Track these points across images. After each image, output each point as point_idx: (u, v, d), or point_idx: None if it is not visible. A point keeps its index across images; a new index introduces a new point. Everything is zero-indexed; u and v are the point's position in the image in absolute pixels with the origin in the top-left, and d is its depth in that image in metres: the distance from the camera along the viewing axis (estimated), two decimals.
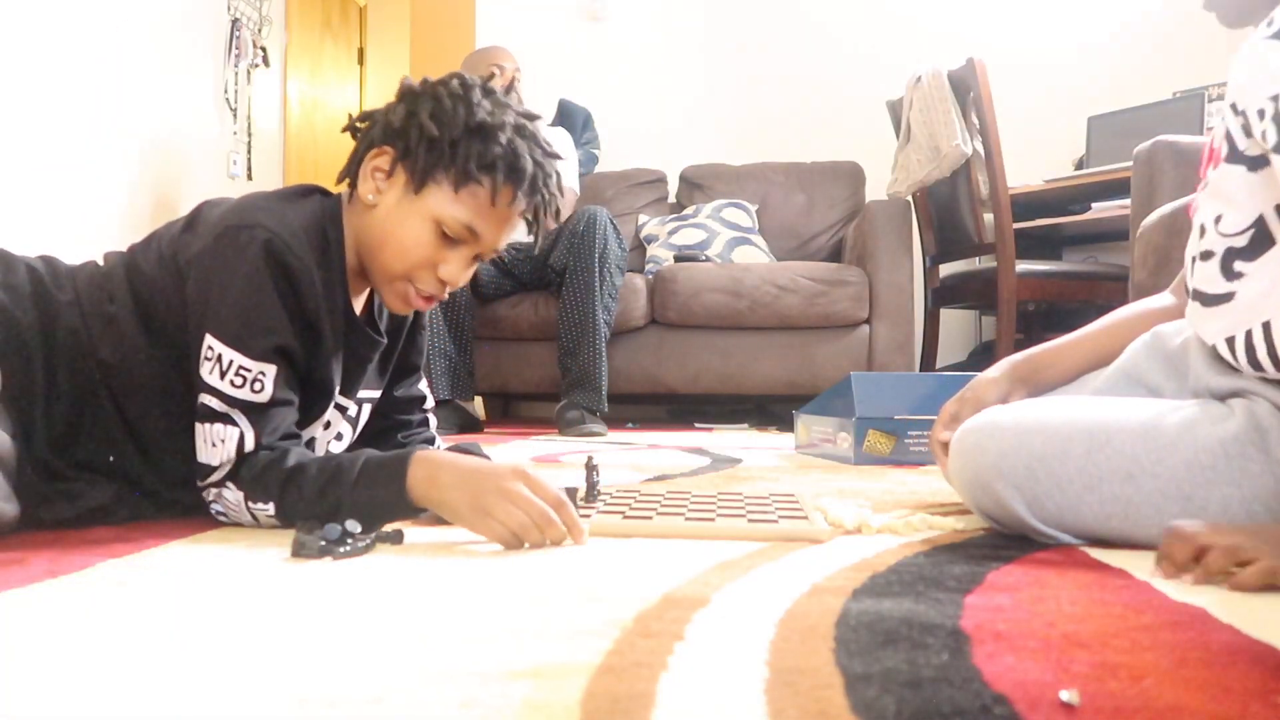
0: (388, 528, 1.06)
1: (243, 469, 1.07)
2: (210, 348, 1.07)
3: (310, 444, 1.21)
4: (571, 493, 1.19)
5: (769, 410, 3.69)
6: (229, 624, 0.72)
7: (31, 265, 1.14)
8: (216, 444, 1.06)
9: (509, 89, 3.08)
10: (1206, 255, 1.02)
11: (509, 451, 2.34)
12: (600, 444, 2.60)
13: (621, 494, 1.38)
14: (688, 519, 1.15)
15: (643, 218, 3.94)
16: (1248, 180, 0.97)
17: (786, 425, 3.10)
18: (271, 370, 1.07)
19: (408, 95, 1.16)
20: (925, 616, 0.75)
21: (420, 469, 1.03)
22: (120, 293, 1.13)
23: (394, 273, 1.15)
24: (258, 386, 1.07)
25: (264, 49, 4.13)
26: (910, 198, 3.55)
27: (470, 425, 3.06)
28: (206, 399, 1.07)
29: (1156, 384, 1.16)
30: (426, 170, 1.12)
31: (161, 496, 1.17)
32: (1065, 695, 0.56)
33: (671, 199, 4.13)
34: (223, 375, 1.06)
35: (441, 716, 0.53)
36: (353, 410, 1.30)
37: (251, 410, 1.07)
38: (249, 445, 1.06)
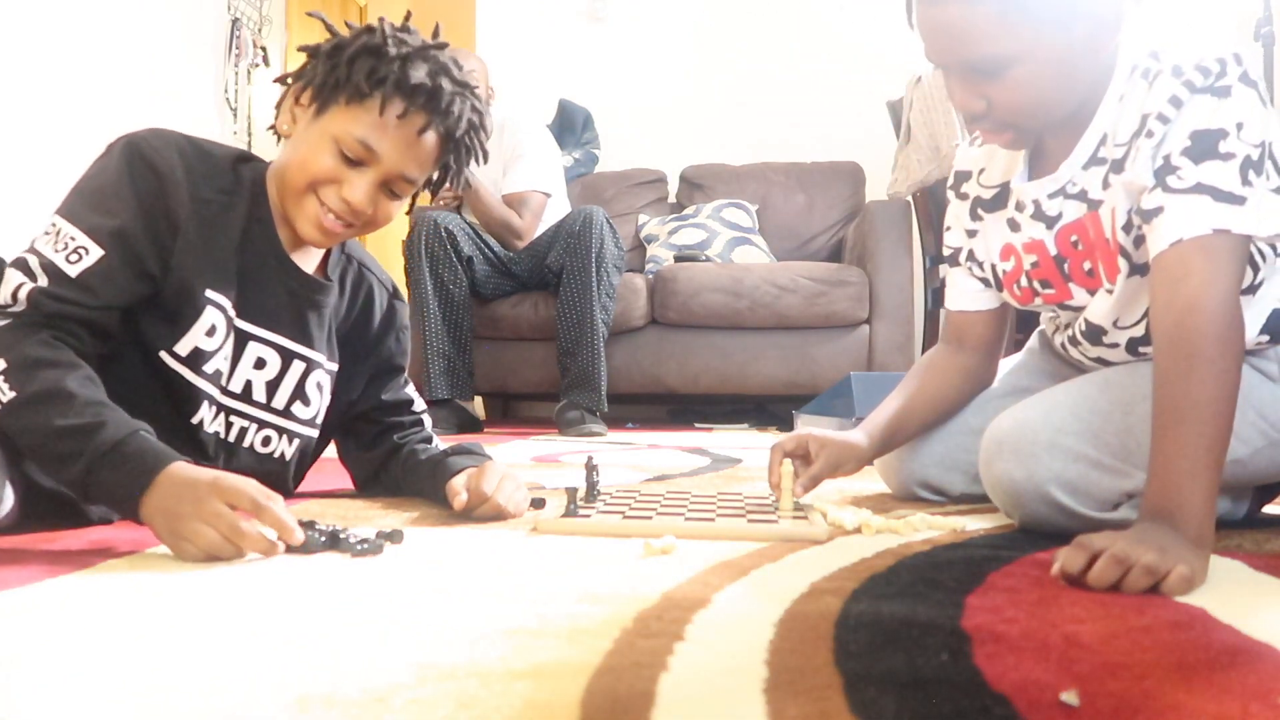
0: (387, 528, 1.06)
1: (14, 339, 1.00)
2: (54, 224, 1.08)
3: (198, 357, 1.14)
4: (572, 493, 1.20)
5: (769, 410, 3.69)
6: (228, 624, 0.72)
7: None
8: (5, 286, 1.04)
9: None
10: (1112, 345, 1.24)
11: (509, 451, 2.34)
12: (600, 444, 2.60)
13: (621, 494, 1.38)
14: (688, 519, 1.15)
15: (643, 218, 3.94)
16: (1141, 284, 1.15)
17: (786, 425, 3.10)
18: (97, 251, 1.06)
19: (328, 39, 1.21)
20: (925, 616, 0.75)
21: (162, 480, 0.94)
22: None
23: (297, 187, 1.16)
24: (74, 258, 1.05)
25: (264, 48, 4.13)
26: (910, 198, 3.55)
27: (470, 425, 3.06)
28: (25, 254, 1.06)
29: (1062, 373, 1.36)
30: (323, 90, 1.15)
31: None
32: (1065, 696, 0.56)
33: (671, 199, 4.13)
34: (54, 246, 1.06)
35: (441, 716, 0.53)
36: (322, 374, 1.27)
37: (54, 275, 1.04)
38: (23, 291, 1.03)
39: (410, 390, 1.43)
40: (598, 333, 3.02)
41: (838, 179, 3.97)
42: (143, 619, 0.73)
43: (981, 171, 1.33)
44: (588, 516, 1.16)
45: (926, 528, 1.17)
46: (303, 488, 1.41)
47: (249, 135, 4.04)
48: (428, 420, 1.44)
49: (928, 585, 0.86)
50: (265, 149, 4.20)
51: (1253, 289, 1.14)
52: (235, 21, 3.93)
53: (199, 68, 3.74)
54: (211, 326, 1.15)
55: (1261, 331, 1.16)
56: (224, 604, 0.78)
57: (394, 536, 1.04)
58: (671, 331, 3.39)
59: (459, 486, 1.20)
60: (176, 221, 1.12)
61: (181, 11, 3.59)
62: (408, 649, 0.65)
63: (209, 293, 1.14)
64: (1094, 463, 1.12)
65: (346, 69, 1.13)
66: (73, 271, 1.05)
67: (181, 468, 0.95)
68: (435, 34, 1.21)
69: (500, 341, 3.37)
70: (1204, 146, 1.03)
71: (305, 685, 0.57)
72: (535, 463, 2.07)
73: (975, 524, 1.22)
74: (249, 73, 4.05)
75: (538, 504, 1.31)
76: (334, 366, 1.32)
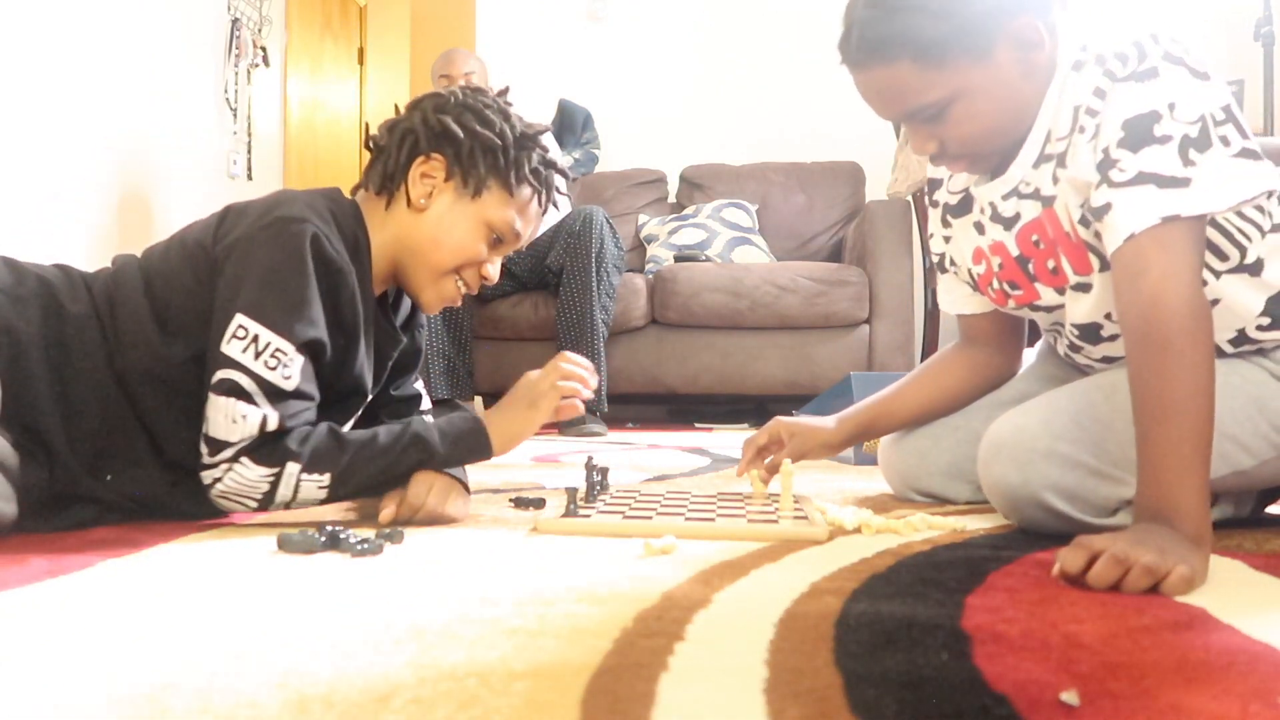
0: (386, 528, 1.06)
1: (289, 442, 1.08)
2: (243, 327, 1.07)
3: None
4: (572, 493, 1.20)
5: (769, 410, 3.69)
6: (228, 624, 0.72)
7: (43, 276, 1.12)
8: (237, 420, 1.06)
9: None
10: (1111, 338, 1.21)
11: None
12: (600, 444, 2.60)
13: (621, 494, 1.38)
14: (688, 519, 1.15)
15: (643, 218, 3.94)
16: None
17: None
18: (300, 360, 1.09)
19: (449, 106, 1.23)
20: (925, 616, 0.75)
21: (491, 432, 1.21)
22: (135, 294, 1.12)
23: (444, 269, 1.22)
24: (287, 374, 1.08)
25: (264, 49, 4.13)
26: (910, 198, 3.55)
27: None
28: (230, 374, 1.06)
29: (1071, 378, 1.32)
30: (485, 176, 1.21)
31: (164, 504, 1.16)
32: (1065, 696, 0.56)
33: (671, 199, 4.13)
34: (257, 355, 1.07)
35: (441, 716, 0.53)
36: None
37: (276, 395, 1.08)
38: (271, 425, 1.07)
39: (418, 385, 1.43)
40: (598, 333, 3.02)
41: (838, 179, 3.97)
42: (143, 619, 0.73)
43: (950, 178, 1.35)
44: (588, 516, 1.16)
45: (926, 528, 1.17)
46: None
47: (249, 136, 4.05)
48: (430, 419, 1.43)
49: (928, 585, 0.86)
50: (265, 148, 4.20)
51: (1248, 268, 1.12)
52: (235, 21, 3.93)
53: (199, 68, 3.74)
54: (362, 410, 1.26)
55: (1263, 314, 1.13)
56: (224, 604, 0.78)
57: (394, 536, 1.04)
58: (671, 331, 3.39)
59: (387, 500, 1.17)
60: (353, 327, 1.17)
61: (181, 11, 3.59)
62: (407, 649, 0.65)
63: (370, 386, 1.26)
64: (1092, 470, 1.12)
65: (505, 159, 1.21)
66: (289, 386, 1.08)
67: (488, 414, 1.24)
68: (503, 95, 1.29)
69: (500, 341, 3.37)
70: (1139, 134, 1.02)
71: (305, 685, 0.57)
72: (535, 463, 2.07)
73: (975, 524, 1.22)
74: (249, 73, 4.05)
75: (537, 504, 1.31)
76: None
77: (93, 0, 3.07)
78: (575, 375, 1.25)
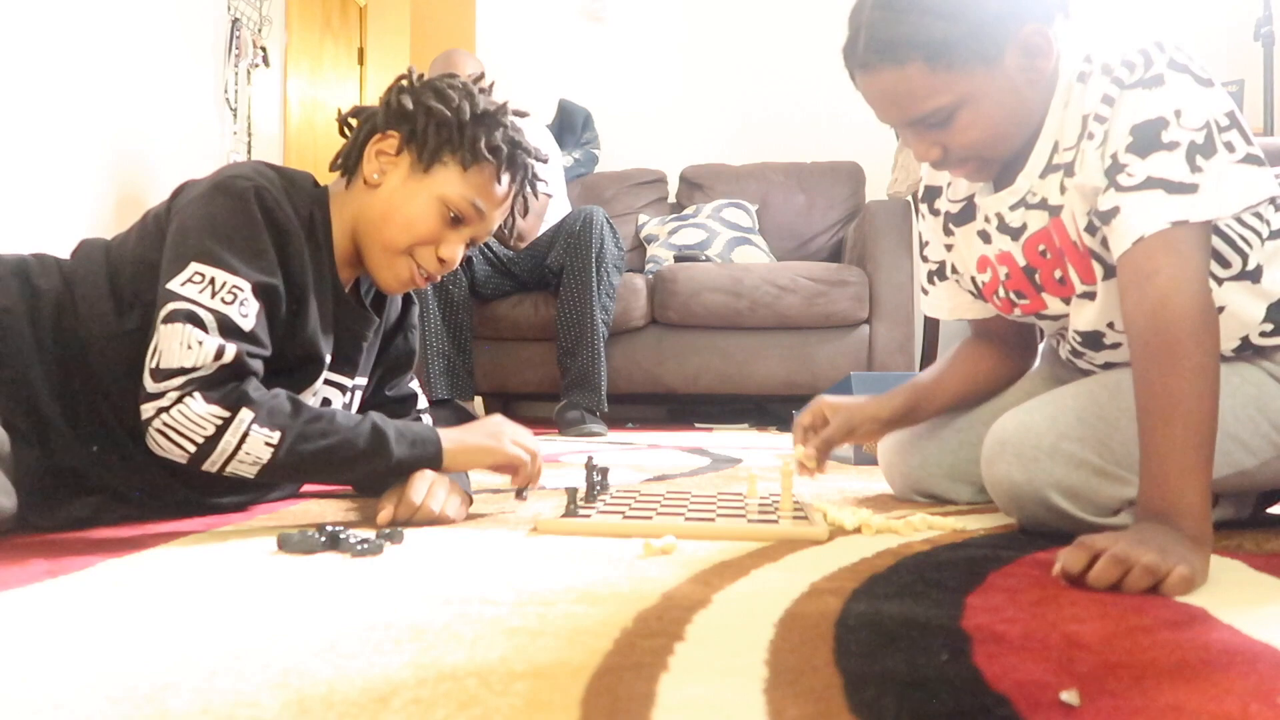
0: (386, 529, 1.06)
1: (248, 387, 1.04)
2: (200, 273, 1.04)
3: None
4: (572, 493, 1.20)
5: (769, 410, 3.69)
6: (228, 624, 0.72)
7: (17, 258, 1.15)
8: (192, 346, 1.01)
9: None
10: (1114, 345, 1.22)
11: None
12: (600, 444, 2.60)
13: (621, 494, 1.38)
14: (688, 519, 1.15)
15: (643, 218, 3.94)
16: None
17: (786, 425, 3.10)
18: (256, 305, 1.07)
19: (408, 88, 1.22)
20: (925, 617, 0.75)
21: (448, 446, 1.17)
22: (97, 269, 1.14)
23: (397, 247, 1.19)
24: (244, 311, 1.05)
25: (264, 49, 4.12)
26: (910, 197, 3.55)
27: None
28: (183, 305, 1.03)
29: (1067, 378, 1.33)
30: (436, 150, 1.19)
31: (160, 499, 1.16)
32: (1065, 696, 0.56)
33: (671, 199, 4.13)
34: (214, 294, 1.04)
35: (441, 716, 0.53)
36: (354, 394, 1.30)
37: (233, 331, 1.04)
38: (227, 357, 1.02)
39: (414, 385, 1.43)
40: (598, 333, 3.02)
41: (838, 179, 3.98)
42: (142, 619, 0.73)
43: (949, 185, 1.34)
44: (588, 516, 1.16)
45: (926, 528, 1.17)
46: (303, 488, 1.42)
47: (249, 136, 4.04)
48: (427, 420, 1.44)
49: (928, 585, 0.86)
50: (265, 148, 4.20)
51: (1249, 275, 1.13)
52: (235, 21, 3.92)
53: (199, 68, 3.74)
54: (316, 390, 1.22)
55: (1265, 321, 1.14)
56: (223, 604, 0.78)
57: (394, 536, 1.04)
58: (671, 331, 3.39)
59: (384, 501, 1.17)
60: (302, 290, 1.14)
61: (181, 12, 3.59)
62: (408, 649, 0.65)
63: (329, 369, 1.22)
64: (1096, 469, 1.12)
65: (459, 134, 1.18)
66: (245, 326, 1.05)
67: (448, 433, 1.19)
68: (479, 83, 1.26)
69: (500, 341, 3.37)
70: (1147, 140, 1.03)
71: (305, 685, 0.57)
72: None
73: (975, 524, 1.22)
74: (249, 73, 4.05)
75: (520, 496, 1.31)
76: (364, 381, 1.34)
77: (93, 0, 3.07)
78: (533, 467, 1.25)
